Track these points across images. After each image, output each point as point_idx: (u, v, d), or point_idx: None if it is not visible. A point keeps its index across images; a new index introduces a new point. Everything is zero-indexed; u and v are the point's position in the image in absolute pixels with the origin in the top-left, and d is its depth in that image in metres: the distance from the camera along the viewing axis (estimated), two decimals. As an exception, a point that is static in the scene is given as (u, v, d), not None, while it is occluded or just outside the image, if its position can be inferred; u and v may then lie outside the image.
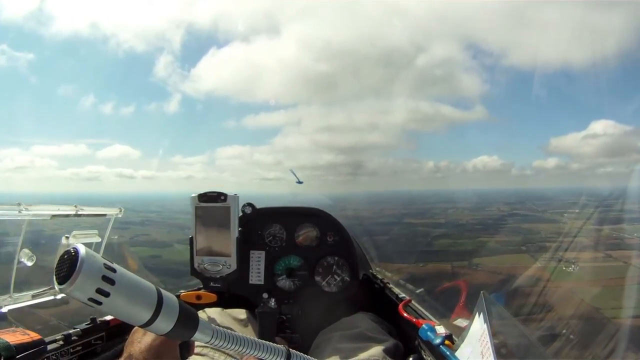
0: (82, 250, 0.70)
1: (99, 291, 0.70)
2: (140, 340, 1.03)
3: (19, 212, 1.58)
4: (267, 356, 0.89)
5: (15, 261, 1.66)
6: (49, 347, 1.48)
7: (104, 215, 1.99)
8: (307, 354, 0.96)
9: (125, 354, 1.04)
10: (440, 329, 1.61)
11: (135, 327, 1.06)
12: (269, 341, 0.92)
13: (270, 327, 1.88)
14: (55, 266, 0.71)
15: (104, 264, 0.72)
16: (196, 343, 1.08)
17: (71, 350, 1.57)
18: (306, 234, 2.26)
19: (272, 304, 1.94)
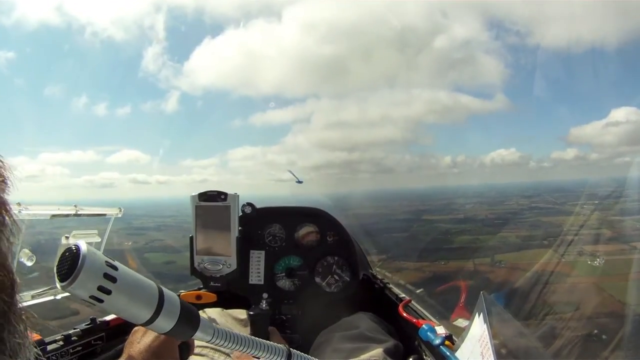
0: (84, 247, 0.69)
1: (101, 289, 0.69)
2: (140, 341, 1.03)
3: (19, 212, 1.58)
4: (268, 356, 0.88)
5: (15, 261, 1.68)
6: (49, 347, 1.49)
7: (104, 215, 2.01)
8: (307, 354, 0.94)
9: (124, 355, 1.04)
10: (440, 330, 1.60)
11: (135, 328, 1.06)
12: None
13: (263, 329, 1.87)
14: (56, 264, 0.70)
15: (106, 261, 0.71)
16: (196, 343, 1.07)
17: (71, 351, 1.57)
18: (306, 233, 2.25)
19: (264, 305, 1.92)
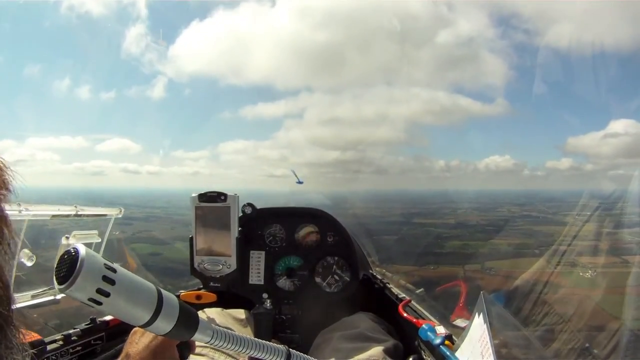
0: (83, 250, 0.69)
1: (99, 291, 0.70)
2: (139, 341, 1.04)
3: (19, 212, 1.58)
4: (267, 356, 0.88)
5: (15, 261, 1.67)
6: (49, 347, 1.48)
7: (104, 215, 2.01)
8: (307, 354, 0.95)
9: (123, 354, 1.04)
10: (440, 329, 1.60)
11: (135, 328, 1.06)
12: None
13: (266, 328, 1.87)
14: (55, 266, 0.71)
15: (104, 264, 0.71)
16: (197, 343, 1.07)
17: (71, 351, 1.56)
18: (306, 234, 2.25)
19: (268, 304, 1.93)
